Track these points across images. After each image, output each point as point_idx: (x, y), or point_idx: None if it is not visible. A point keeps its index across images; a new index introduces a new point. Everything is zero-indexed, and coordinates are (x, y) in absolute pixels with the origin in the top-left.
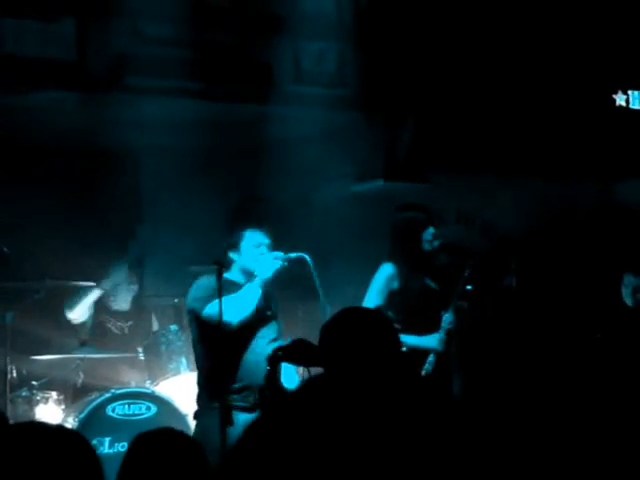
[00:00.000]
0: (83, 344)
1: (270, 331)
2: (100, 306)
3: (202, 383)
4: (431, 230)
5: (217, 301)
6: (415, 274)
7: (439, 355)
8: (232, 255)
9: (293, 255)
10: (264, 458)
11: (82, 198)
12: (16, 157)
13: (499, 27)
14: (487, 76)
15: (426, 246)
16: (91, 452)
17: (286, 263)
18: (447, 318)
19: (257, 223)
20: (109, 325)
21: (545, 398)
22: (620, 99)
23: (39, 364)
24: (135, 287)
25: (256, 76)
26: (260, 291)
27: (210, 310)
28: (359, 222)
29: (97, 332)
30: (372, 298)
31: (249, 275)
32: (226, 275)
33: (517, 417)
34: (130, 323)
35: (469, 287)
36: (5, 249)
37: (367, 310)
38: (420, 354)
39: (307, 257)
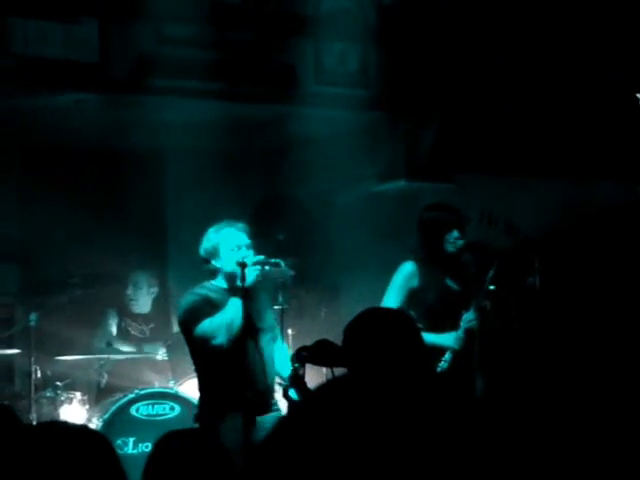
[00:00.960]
0: (107, 345)
1: (264, 341)
2: (122, 310)
3: (206, 389)
4: (455, 233)
5: (207, 321)
6: (436, 274)
7: (456, 353)
8: (215, 263)
9: (272, 260)
10: (291, 458)
11: (106, 200)
12: (41, 159)
13: (524, 27)
14: (510, 76)
15: (449, 247)
16: (113, 453)
17: (267, 268)
18: (467, 317)
19: (235, 223)
20: (130, 328)
21: (569, 399)
22: None
23: (63, 365)
24: (155, 290)
25: (278, 76)
26: (241, 302)
27: (201, 332)
28: (382, 222)
29: (120, 335)
30: (392, 296)
31: (234, 279)
32: (215, 283)
33: (540, 418)
34: (152, 325)
35: (492, 287)
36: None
37: (390, 310)
38: (437, 352)
39: (282, 262)
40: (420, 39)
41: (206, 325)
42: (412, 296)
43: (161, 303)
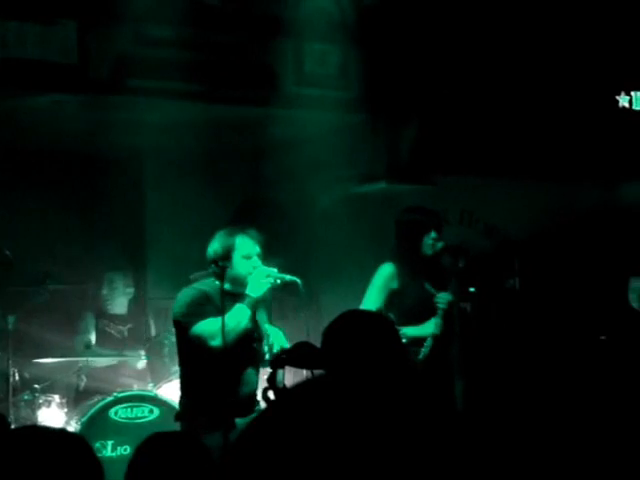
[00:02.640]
0: (86, 347)
1: (257, 346)
2: (98, 311)
3: (189, 390)
4: (433, 234)
5: (206, 321)
6: (414, 277)
7: (436, 338)
8: (223, 265)
9: (287, 277)
10: (263, 456)
11: (84, 201)
12: (18, 160)
13: (502, 28)
14: (491, 78)
15: (427, 250)
16: (92, 455)
17: (278, 282)
18: (442, 297)
19: (247, 229)
20: (108, 329)
21: (548, 401)
22: (623, 100)
23: (41, 367)
24: (131, 290)
25: (258, 78)
26: (249, 312)
27: (199, 331)
28: (362, 224)
29: (98, 336)
30: (372, 297)
31: (241, 284)
32: (217, 283)
33: (520, 420)
34: (129, 326)
35: (472, 289)
36: (7, 252)
37: (369, 312)
38: (418, 341)
39: (299, 282)
40: (400, 40)
41: (206, 324)
42: (391, 298)
43: (139, 305)
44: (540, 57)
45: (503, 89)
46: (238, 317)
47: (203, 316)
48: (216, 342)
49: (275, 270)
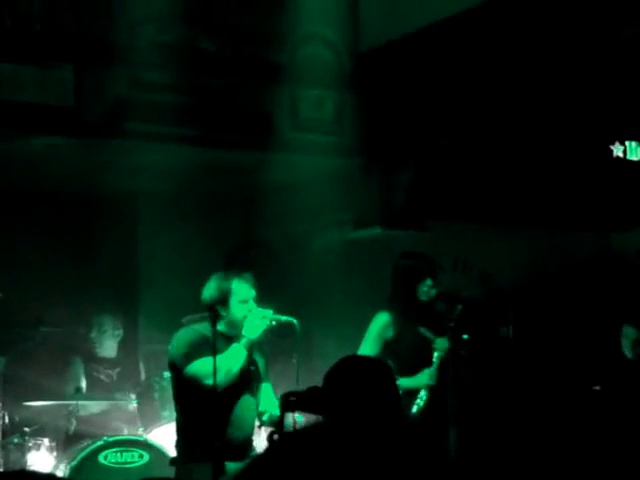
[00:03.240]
0: (76, 391)
1: (254, 389)
2: (87, 354)
3: (184, 433)
4: (429, 282)
5: (201, 360)
6: (410, 323)
7: (431, 389)
8: (219, 309)
9: (283, 318)
10: None
11: (78, 244)
12: (12, 202)
13: (497, 77)
14: (485, 125)
15: (423, 297)
16: None
17: (274, 323)
18: (440, 343)
19: (242, 274)
20: (96, 374)
21: (542, 450)
22: (617, 150)
23: (31, 410)
24: (120, 332)
25: (254, 123)
26: (246, 352)
27: (194, 370)
28: (356, 268)
29: (87, 382)
30: (368, 347)
31: (237, 328)
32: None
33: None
34: (118, 370)
35: (465, 336)
36: (0, 294)
37: (367, 358)
38: (412, 393)
39: (296, 322)
40: (395, 87)
41: (201, 364)
42: (387, 346)
43: (130, 348)
44: (535, 107)
45: (498, 137)
46: (234, 357)
47: (199, 357)
48: (211, 381)
49: (271, 312)
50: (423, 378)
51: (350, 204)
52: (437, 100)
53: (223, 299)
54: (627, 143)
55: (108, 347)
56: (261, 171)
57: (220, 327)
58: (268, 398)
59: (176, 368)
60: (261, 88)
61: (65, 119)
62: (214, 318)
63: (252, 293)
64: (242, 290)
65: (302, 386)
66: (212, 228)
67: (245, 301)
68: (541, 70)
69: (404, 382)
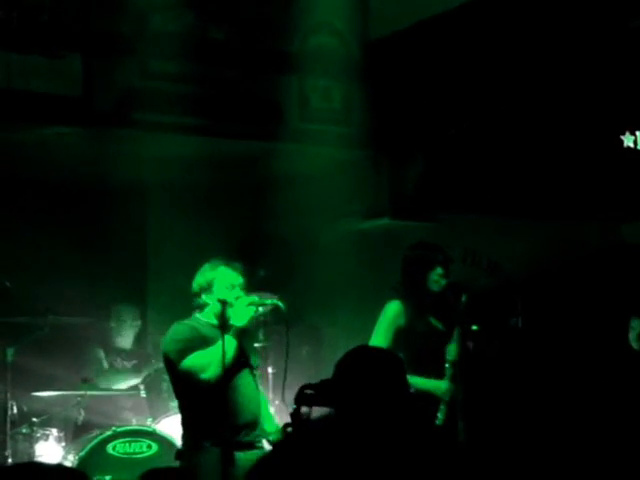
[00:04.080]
0: (85, 381)
1: (253, 377)
2: (105, 345)
3: (188, 425)
4: (439, 270)
5: (195, 355)
6: (421, 314)
7: (448, 405)
8: (206, 298)
9: (268, 302)
10: None
11: (87, 234)
12: (21, 192)
13: (508, 68)
14: (494, 115)
15: (434, 286)
16: None
17: (261, 309)
18: (450, 352)
19: (231, 261)
20: (115, 364)
21: (552, 439)
22: (628, 140)
23: (40, 401)
24: (138, 323)
25: (263, 113)
26: (235, 342)
27: (187, 365)
28: (365, 259)
29: (104, 370)
30: (380, 336)
31: (225, 318)
32: (203, 318)
33: (524, 460)
34: (134, 362)
35: (475, 327)
36: (7, 283)
37: (378, 349)
38: (429, 399)
39: (281, 304)
40: (405, 77)
41: (195, 358)
42: (398, 335)
43: (140, 340)
44: (545, 97)
45: (508, 128)
46: (225, 348)
47: (192, 351)
48: (206, 375)
49: (256, 297)
50: (438, 388)
51: (359, 195)
52: (446, 90)
53: (209, 286)
54: (638, 133)
55: (126, 337)
56: (270, 161)
57: (209, 317)
58: (265, 414)
59: (171, 364)
60: (270, 78)
61: (74, 109)
62: (202, 307)
63: (239, 280)
64: (227, 276)
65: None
66: (221, 218)
67: (231, 287)
68: (551, 60)
69: (419, 382)
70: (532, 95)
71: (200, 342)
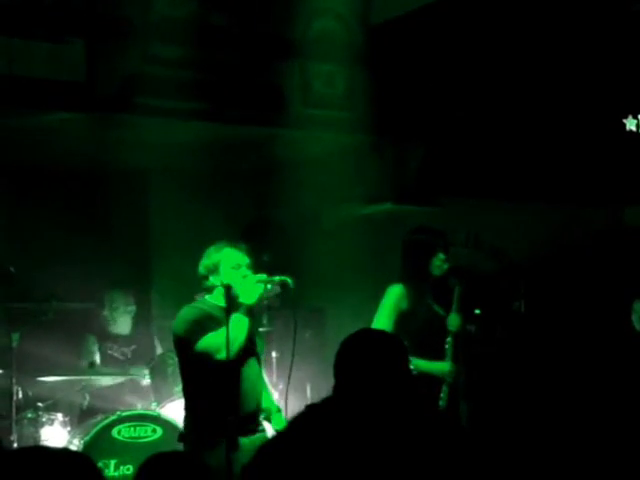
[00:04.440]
0: (89, 366)
1: (257, 362)
2: (101, 332)
3: (192, 409)
4: (440, 255)
5: (210, 335)
6: (422, 299)
7: (451, 387)
8: (213, 280)
9: (276, 278)
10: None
11: (90, 220)
12: (24, 178)
13: (510, 52)
14: (497, 100)
15: (436, 271)
16: (98, 474)
17: (269, 286)
18: (453, 319)
19: (236, 243)
20: (110, 352)
21: (554, 423)
22: (630, 123)
23: (45, 386)
24: (133, 308)
25: (265, 98)
26: (247, 320)
27: (203, 346)
28: (368, 244)
29: (103, 361)
30: (383, 318)
31: (233, 299)
32: (210, 299)
33: (525, 442)
34: (133, 347)
35: (477, 311)
36: (11, 269)
37: (380, 332)
38: (432, 381)
39: (290, 280)
40: (407, 62)
41: (210, 339)
42: (401, 318)
43: (144, 325)
44: (547, 81)
45: (510, 112)
46: (238, 326)
47: (205, 332)
48: (222, 355)
49: (264, 275)
50: (441, 366)
51: (362, 180)
52: (449, 75)
53: (215, 268)
54: None
55: (121, 323)
56: (272, 147)
57: (218, 300)
58: (276, 418)
59: (183, 347)
60: (272, 63)
61: (77, 95)
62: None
63: (245, 260)
64: (233, 256)
65: (314, 362)
66: (223, 204)
67: (237, 267)
68: (554, 45)
69: (422, 364)
70: (535, 79)
71: (211, 323)
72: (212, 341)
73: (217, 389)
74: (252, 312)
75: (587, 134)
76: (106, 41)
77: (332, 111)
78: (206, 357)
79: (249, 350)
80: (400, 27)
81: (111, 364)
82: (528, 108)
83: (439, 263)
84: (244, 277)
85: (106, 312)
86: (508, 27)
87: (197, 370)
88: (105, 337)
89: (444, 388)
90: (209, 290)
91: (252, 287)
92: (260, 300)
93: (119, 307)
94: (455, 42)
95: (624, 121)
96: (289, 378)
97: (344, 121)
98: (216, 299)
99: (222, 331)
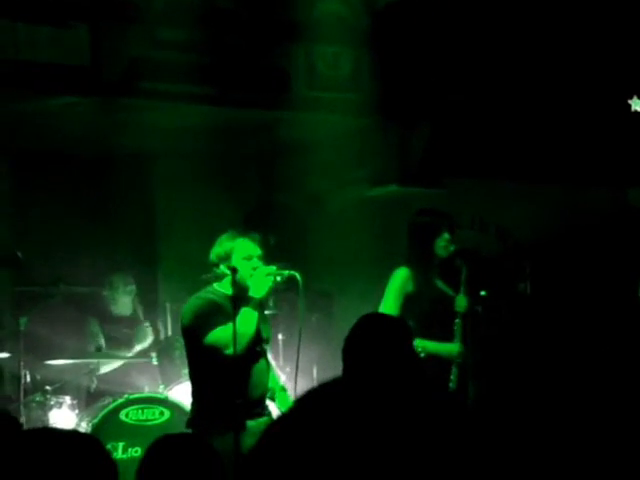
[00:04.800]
0: (97, 350)
1: (264, 350)
2: (102, 314)
3: (200, 396)
4: (446, 236)
5: (218, 330)
6: (428, 279)
7: (460, 367)
8: (224, 268)
9: (286, 273)
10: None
11: (96, 204)
12: (30, 163)
13: (515, 32)
14: (503, 82)
15: (441, 252)
16: (106, 456)
17: (279, 279)
18: (460, 300)
19: (250, 233)
20: (114, 334)
21: (559, 404)
22: (635, 104)
23: (53, 369)
24: (132, 287)
25: (271, 81)
26: (256, 314)
27: (212, 340)
28: (373, 226)
29: (106, 342)
30: (390, 301)
31: (243, 287)
32: (219, 288)
33: (532, 423)
34: (137, 329)
35: (483, 293)
36: (18, 253)
37: (387, 317)
38: (441, 362)
39: (298, 275)
40: (412, 44)
41: (219, 333)
42: (407, 301)
43: (149, 307)
44: (553, 61)
45: (515, 93)
46: (247, 321)
47: (213, 325)
48: (230, 350)
49: (274, 268)
50: (450, 348)
51: (367, 162)
52: (454, 56)
53: (227, 256)
54: None
55: (122, 304)
56: (278, 129)
57: (226, 288)
58: (282, 398)
59: (191, 338)
60: (278, 46)
61: (82, 79)
62: (232, 278)
63: (257, 251)
64: (245, 247)
65: (321, 345)
66: (229, 187)
67: (248, 258)
68: (558, 24)
69: (430, 346)
70: (539, 60)
71: (220, 315)
72: (221, 336)
73: (224, 376)
74: (263, 305)
75: (592, 115)
76: (111, 25)
77: (337, 93)
78: (214, 351)
79: (259, 340)
80: (405, 8)
81: (115, 346)
82: (533, 89)
83: (444, 244)
84: (254, 269)
85: (106, 292)
86: (513, 7)
87: (204, 359)
88: (107, 320)
89: (454, 369)
90: (219, 278)
91: (262, 280)
92: (269, 294)
93: (119, 287)
94: (460, 23)
95: (629, 102)
96: (297, 362)
97: (349, 103)
98: (225, 288)
99: (230, 326)
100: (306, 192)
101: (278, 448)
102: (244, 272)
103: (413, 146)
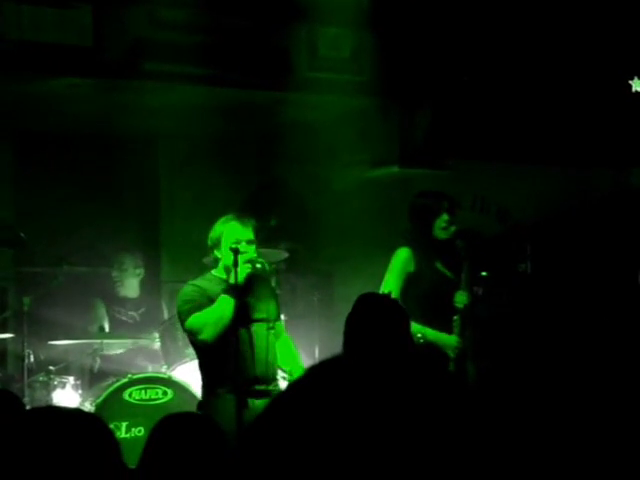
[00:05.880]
0: (100, 330)
1: (264, 325)
2: (109, 295)
3: (205, 373)
4: (445, 217)
5: (194, 316)
6: (429, 262)
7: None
8: (217, 253)
9: (258, 264)
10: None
11: (99, 184)
12: (33, 144)
13: (517, 13)
14: (505, 63)
15: (440, 234)
16: (110, 434)
17: (259, 266)
18: (460, 297)
19: (244, 217)
20: (119, 316)
21: (559, 386)
22: (636, 85)
23: (56, 349)
24: (141, 270)
25: (272, 62)
26: (233, 301)
27: (188, 326)
28: (375, 207)
29: (110, 324)
30: (391, 282)
31: (229, 271)
32: (215, 274)
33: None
34: (142, 310)
35: (484, 273)
36: (22, 234)
37: (381, 298)
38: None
39: (267, 267)
40: (414, 24)
41: (194, 319)
42: (408, 281)
43: (152, 288)
44: (554, 42)
45: (516, 74)
46: (221, 308)
47: (195, 311)
48: (203, 336)
49: (254, 255)
50: (449, 339)
51: (368, 143)
52: (456, 37)
53: (218, 241)
54: None
55: (130, 286)
56: (279, 111)
57: (221, 273)
58: (289, 355)
59: (180, 321)
60: (279, 27)
61: (84, 60)
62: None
63: (246, 235)
64: (234, 231)
65: (322, 325)
66: (231, 168)
67: (237, 242)
68: (560, 5)
69: (430, 334)
70: (541, 42)
71: (207, 302)
72: (194, 321)
73: (213, 357)
74: (243, 290)
75: (593, 96)
76: (114, 6)
77: (339, 74)
78: (191, 336)
79: (246, 321)
80: None
81: (120, 328)
82: (535, 70)
83: (443, 225)
84: (240, 254)
85: (114, 274)
86: None
87: (192, 342)
88: (113, 301)
89: (450, 363)
90: (216, 263)
91: (240, 267)
92: (246, 280)
93: (128, 269)
94: (461, 4)
95: (630, 82)
96: None
97: (351, 84)
98: (220, 272)
99: (205, 312)
100: (307, 173)
101: (277, 423)
102: (229, 257)
103: (415, 127)
